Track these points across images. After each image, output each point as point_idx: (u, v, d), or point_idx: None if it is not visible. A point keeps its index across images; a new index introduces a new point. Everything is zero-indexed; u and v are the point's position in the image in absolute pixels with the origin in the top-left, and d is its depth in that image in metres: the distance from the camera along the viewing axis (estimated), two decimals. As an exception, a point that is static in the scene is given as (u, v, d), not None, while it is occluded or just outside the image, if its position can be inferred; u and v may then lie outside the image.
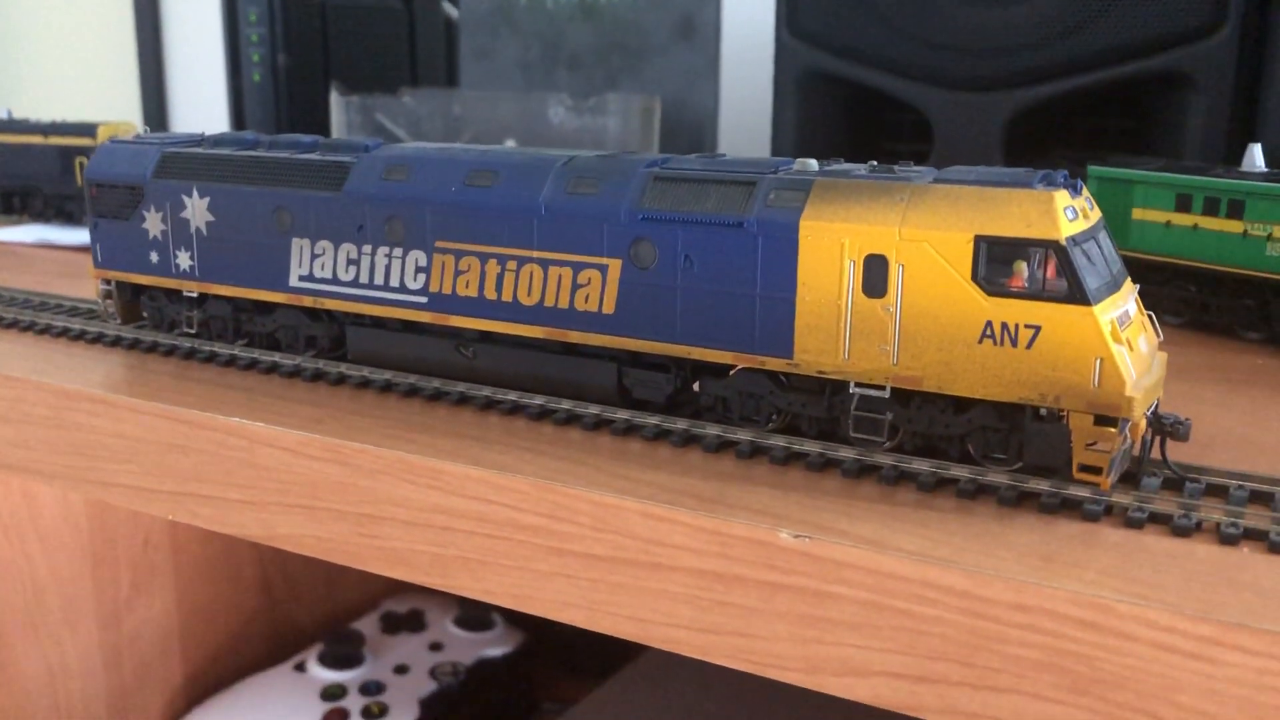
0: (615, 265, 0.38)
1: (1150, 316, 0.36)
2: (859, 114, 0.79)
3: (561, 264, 0.39)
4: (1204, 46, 0.67)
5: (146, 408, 0.44)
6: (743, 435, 0.38)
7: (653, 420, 0.40)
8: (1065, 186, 0.33)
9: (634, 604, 0.35)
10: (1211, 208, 0.55)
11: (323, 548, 0.41)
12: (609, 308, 0.39)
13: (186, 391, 0.46)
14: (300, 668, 0.82)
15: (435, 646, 0.87)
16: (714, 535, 0.34)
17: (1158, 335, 0.36)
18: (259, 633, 0.89)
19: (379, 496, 0.40)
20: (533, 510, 0.37)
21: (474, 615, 0.90)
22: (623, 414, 0.40)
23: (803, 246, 0.35)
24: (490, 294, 0.41)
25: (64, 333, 0.53)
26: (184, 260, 0.48)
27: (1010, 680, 0.30)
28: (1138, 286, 0.36)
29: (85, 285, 0.64)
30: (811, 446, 0.37)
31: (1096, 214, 0.35)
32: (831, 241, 0.35)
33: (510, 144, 0.96)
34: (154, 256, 0.49)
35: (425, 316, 0.43)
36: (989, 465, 0.35)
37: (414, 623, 0.89)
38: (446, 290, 0.42)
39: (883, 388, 0.35)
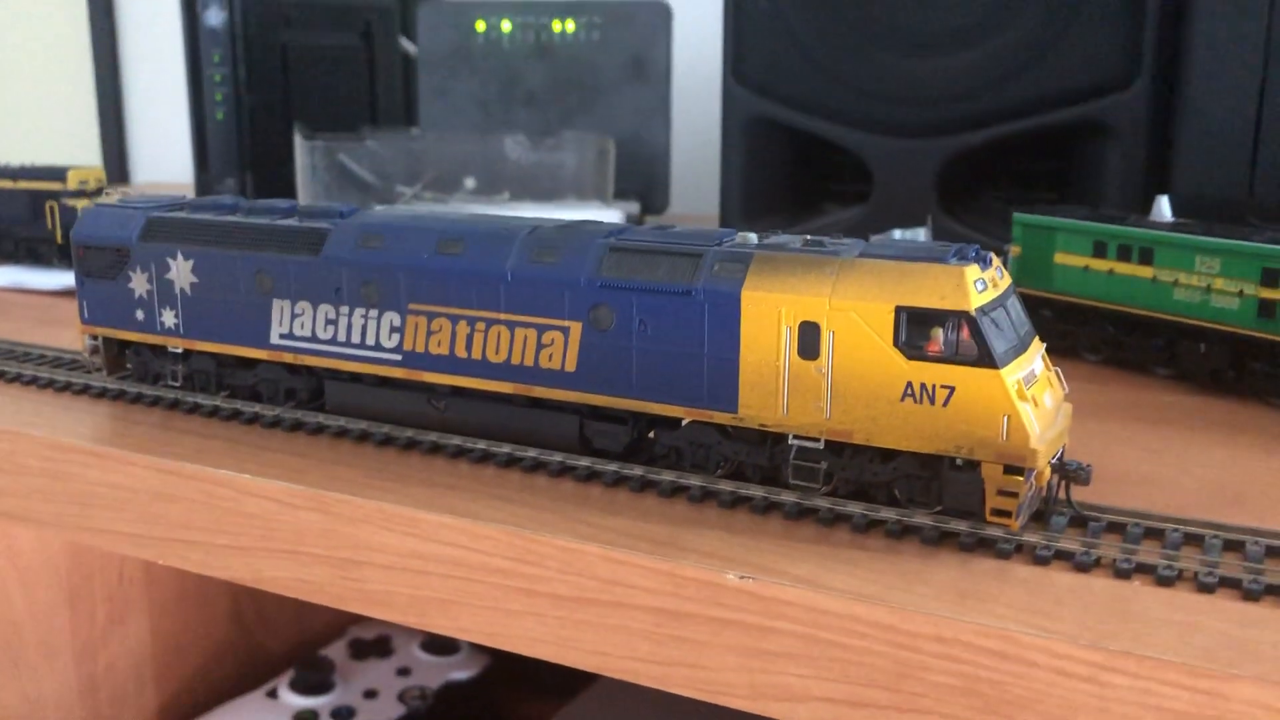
0: (576, 327, 0.42)
1: (1057, 372, 0.40)
2: (802, 157, 0.84)
3: (527, 325, 0.43)
4: (1120, 97, 0.72)
5: (137, 459, 0.47)
6: (694, 481, 0.42)
7: (612, 467, 0.44)
8: (976, 260, 0.38)
9: (596, 639, 0.39)
10: (1125, 254, 0.59)
11: (306, 590, 0.45)
12: (571, 365, 0.43)
13: (173, 442, 0.49)
14: (272, 694, 0.85)
15: (403, 671, 0.89)
16: (668, 576, 0.37)
17: (1063, 388, 0.41)
18: (231, 661, 0.91)
19: (359, 543, 0.43)
20: (503, 555, 0.40)
21: (440, 640, 0.93)
22: (584, 461, 0.44)
23: (745, 313, 0.39)
24: (460, 352, 0.45)
25: (50, 384, 0.56)
26: (169, 318, 0.51)
27: (931, 704, 0.34)
28: (1044, 345, 0.40)
29: (64, 334, 0.67)
30: (756, 491, 0.41)
31: (1006, 281, 0.39)
32: (770, 309, 0.38)
33: (469, 183, 1.00)
34: (140, 314, 0.52)
35: (399, 373, 0.46)
36: (913, 508, 0.39)
37: (382, 648, 0.92)
38: (419, 349, 0.45)
39: (817, 440, 0.39)
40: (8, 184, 0.87)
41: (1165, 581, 0.35)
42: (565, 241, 0.43)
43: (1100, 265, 0.61)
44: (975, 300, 0.36)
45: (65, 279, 0.81)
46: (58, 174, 0.86)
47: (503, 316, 0.43)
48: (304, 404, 0.50)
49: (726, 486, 0.42)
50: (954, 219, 0.77)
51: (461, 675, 0.90)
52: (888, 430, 0.38)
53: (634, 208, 1.08)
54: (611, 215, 0.90)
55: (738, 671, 0.37)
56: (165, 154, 1.60)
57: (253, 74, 1.09)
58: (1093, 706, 0.32)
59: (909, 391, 0.37)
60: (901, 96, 0.76)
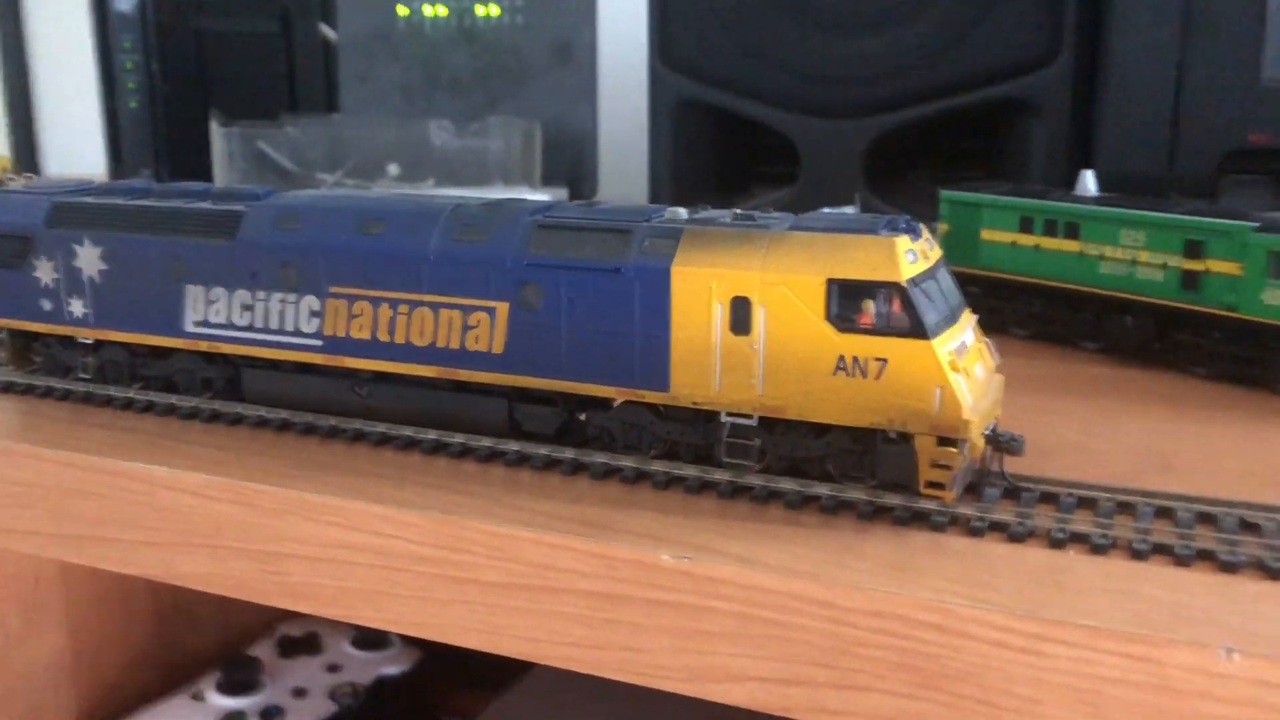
0: (503, 308, 0.41)
1: (987, 343, 0.40)
2: (730, 139, 0.83)
3: (451, 307, 0.42)
4: (1042, 75, 0.72)
5: (46, 455, 0.45)
6: (626, 462, 0.41)
7: (542, 450, 0.43)
8: (906, 231, 0.37)
9: (529, 625, 0.38)
10: (1051, 229, 0.60)
11: (226, 585, 0.43)
12: (498, 347, 0.42)
13: (85, 436, 0.47)
14: (198, 696, 0.83)
15: (333, 668, 0.88)
16: (601, 559, 0.36)
17: (995, 359, 0.40)
18: (154, 663, 0.89)
19: (281, 534, 0.41)
20: (431, 543, 0.39)
21: (371, 635, 0.91)
22: (514, 445, 0.43)
23: (675, 290, 0.38)
24: (383, 336, 0.43)
25: (-47, 379, 0.54)
26: (77, 308, 0.49)
27: (869, 680, 0.34)
28: (976, 316, 0.40)
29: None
30: (689, 470, 0.40)
31: (937, 253, 0.39)
32: (701, 285, 0.38)
33: (393, 169, 0.98)
34: (46, 304, 0.50)
35: (320, 359, 0.45)
36: (847, 483, 0.39)
37: (311, 645, 0.90)
38: (340, 333, 0.44)
39: (751, 416, 0.38)
40: (-93, 175, 0.84)
41: (1099, 550, 0.35)
42: (490, 220, 0.42)
43: (1027, 240, 0.61)
44: (906, 271, 0.36)
45: (-30, 272, 0.78)
46: (-40, 163, 0.83)
47: (426, 298, 0.42)
48: (221, 394, 0.48)
49: (660, 467, 0.41)
50: (881, 198, 0.77)
51: (393, 670, 0.89)
52: (821, 405, 0.37)
53: (562, 192, 1.07)
54: (535, 196, 0.89)
55: (674, 654, 0.36)
56: (77, 144, 1.56)
57: (167, 61, 1.06)
58: (1030, 677, 0.32)
59: (841, 365, 0.36)
60: (828, 77, 0.76)
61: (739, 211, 0.40)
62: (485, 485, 0.41)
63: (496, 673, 0.95)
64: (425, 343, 0.43)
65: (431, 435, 0.45)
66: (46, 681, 0.80)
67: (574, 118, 1.10)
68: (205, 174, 1.07)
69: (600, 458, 0.42)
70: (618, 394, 0.40)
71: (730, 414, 0.39)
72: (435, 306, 0.42)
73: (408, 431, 0.45)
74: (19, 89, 1.52)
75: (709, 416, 0.40)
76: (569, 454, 0.42)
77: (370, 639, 0.91)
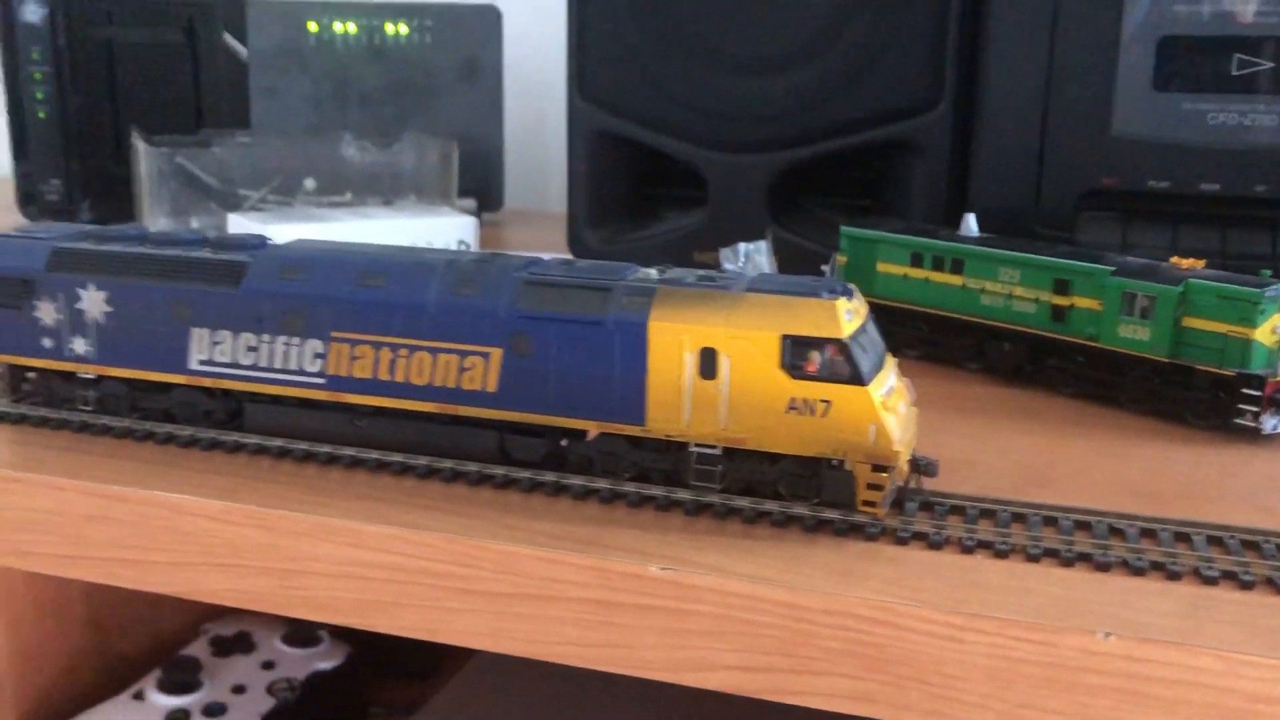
0: (496, 353, 0.47)
1: (906, 381, 0.48)
2: (643, 167, 0.90)
3: (449, 351, 0.48)
4: (925, 119, 0.81)
5: (66, 484, 0.50)
6: (602, 484, 0.48)
7: (526, 475, 0.49)
8: (843, 294, 0.45)
9: (531, 630, 0.45)
10: (938, 264, 0.68)
11: (247, 599, 0.48)
12: (491, 386, 0.48)
13: (91, 465, 0.51)
14: (139, 696, 0.86)
15: (268, 665, 0.92)
16: (596, 571, 0.43)
17: (912, 395, 0.49)
18: (90, 667, 0.91)
19: (300, 554, 0.47)
20: (442, 559, 0.45)
21: (300, 633, 0.96)
22: (499, 470, 0.49)
23: (651, 340, 0.45)
24: (384, 376, 0.49)
25: (-57, 409, 0.57)
26: (79, 346, 0.53)
27: (824, 665, 0.41)
28: (896, 360, 0.48)
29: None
30: (658, 491, 0.47)
31: (865, 309, 0.47)
32: (674, 337, 0.45)
33: (310, 184, 1.02)
34: (47, 342, 0.54)
35: (322, 395, 0.50)
36: (793, 501, 0.46)
37: (244, 644, 0.94)
38: (343, 373, 0.50)
39: (715, 446, 0.46)
40: None
41: (1001, 554, 0.44)
42: (482, 275, 0.48)
43: (917, 274, 0.70)
44: (846, 329, 0.44)
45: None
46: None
47: (425, 344, 0.48)
48: (220, 425, 0.53)
49: (631, 488, 0.48)
50: (782, 227, 0.85)
51: (326, 665, 0.93)
52: (775, 437, 0.45)
53: (471, 205, 1.12)
54: (456, 218, 0.94)
55: (658, 649, 0.43)
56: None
57: (76, 72, 1.08)
58: (955, 659, 0.40)
59: (793, 405, 0.44)
60: (733, 115, 0.83)
61: (700, 273, 0.47)
62: (479, 506, 0.48)
63: (423, 666, 1.01)
64: (424, 382, 0.49)
65: (423, 461, 0.50)
66: (-12, 689, 0.82)
67: (481, 133, 1.16)
68: (116, 182, 1.09)
69: (578, 480, 0.48)
70: (598, 427, 0.47)
71: (697, 444, 0.46)
72: (434, 351, 0.48)
73: (399, 458, 0.51)
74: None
75: (678, 446, 0.47)
76: (550, 477, 0.49)
77: (300, 636, 0.95)
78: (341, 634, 0.98)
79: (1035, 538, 0.44)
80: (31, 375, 0.56)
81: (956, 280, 0.68)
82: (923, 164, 0.82)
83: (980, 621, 0.39)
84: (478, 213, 1.08)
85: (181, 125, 1.15)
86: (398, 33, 1.14)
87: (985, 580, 0.42)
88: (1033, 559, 0.43)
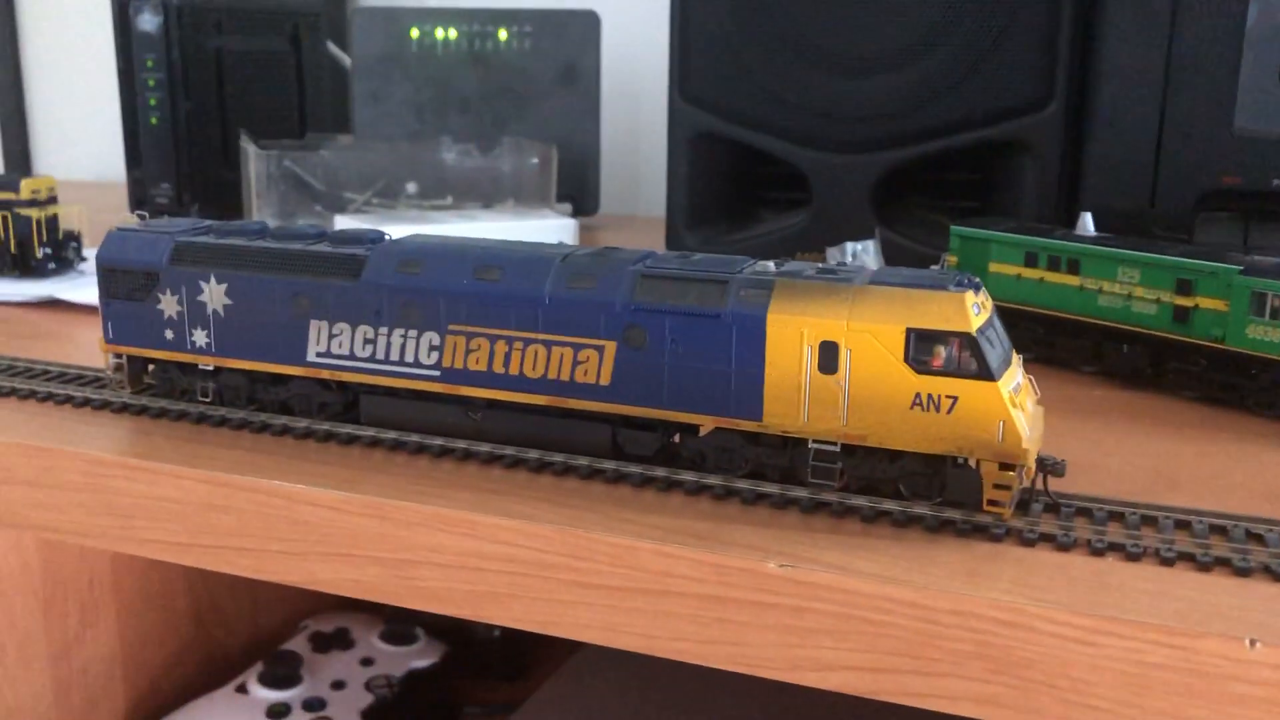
0: (610, 346, 0.47)
1: (1031, 379, 0.47)
2: (742, 169, 0.89)
3: (563, 344, 0.48)
4: (1036, 118, 0.80)
5: (187, 473, 0.50)
6: (715, 480, 0.48)
7: (637, 470, 0.49)
8: (970, 287, 0.44)
9: (645, 624, 0.44)
10: (1054, 264, 0.67)
11: (360, 589, 0.49)
12: (605, 380, 0.48)
13: (210, 455, 0.52)
14: (242, 689, 0.88)
15: (366, 661, 0.93)
16: (714, 567, 0.43)
17: (1037, 393, 0.47)
18: (193, 659, 0.93)
19: (415, 544, 0.47)
20: (557, 551, 0.45)
21: (398, 630, 0.97)
22: (611, 465, 0.49)
23: (770, 334, 0.44)
24: (499, 368, 0.49)
25: (68, 400, 0.58)
26: (200, 338, 0.54)
27: (948, 667, 0.40)
28: (1021, 357, 0.47)
29: (49, 348, 0.69)
30: (773, 488, 0.47)
31: (990, 304, 0.46)
32: (793, 330, 0.44)
33: (411, 188, 1.03)
34: (169, 334, 0.55)
35: (438, 387, 0.50)
36: (914, 500, 0.45)
37: (342, 641, 0.96)
38: (458, 365, 0.50)
39: (834, 443, 0.45)
40: (-43, 193, 0.87)
41: (1133, 557, 0.42)
42: (598, 269, 0.48)
43: (1031, 274, 0.68)
44: (974, 322, 0.42)
45: (28, 289, 0.82)
46: (9, 184, 0.86)
47: (540, 336, 0.48)
48: (335, 416, 0.54)
49: (746, 485, 0.47)
50: (887, 228, 0.83)
51: (423, 663, 0.94)
52: (897, 434, 0.44)
53: (567, 209, 1.13)
54: (556, 220, 0.94)
55: (776, 648, 0.42)
56: (69, 150, 1.58)
57: (188, 79, 1.10)
58: (1086, 663, 0.38)
59: (917, 401, 0.43)
60: (839, 115, 0.83)
61: (820, 265, 0.46)
62: (593, 500, 0.47)
63: (515, 667, 1.01)
64: (537, 375, 0.49)
65: (534, 454, 0.50)
66: (99, 678, 0.85)
67: (578, 138, 1.16)
68: (223, 188, 1.12)
69: (691, 476, 0.48)
70: (713, 422, 0.47)
71: (816, 441, 0.45)
72: (549, 344, 0.48)
73: (510, 451, 0.51)
74: (13, 100, 1.54)
75: (795, 442, 0.46)
76: (662, 473, 0.48)
77: (398, 634, 0.96)
78: (438, 633, 0.98)
79: (1168, 540, 0.43)
80: (151, 367, 0.58)
81: (1073, 280, 0.66)
82: (1033, 164, 0.80)
83: (1114, 625, 0.38)
84: (574, 216, 1.08)
85: (286, 131, 1.17)
86: (498, 38, 1.15)
87: (1118, 583, 0.40)
88: (1167, 563, 0.42)
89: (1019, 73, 0.79)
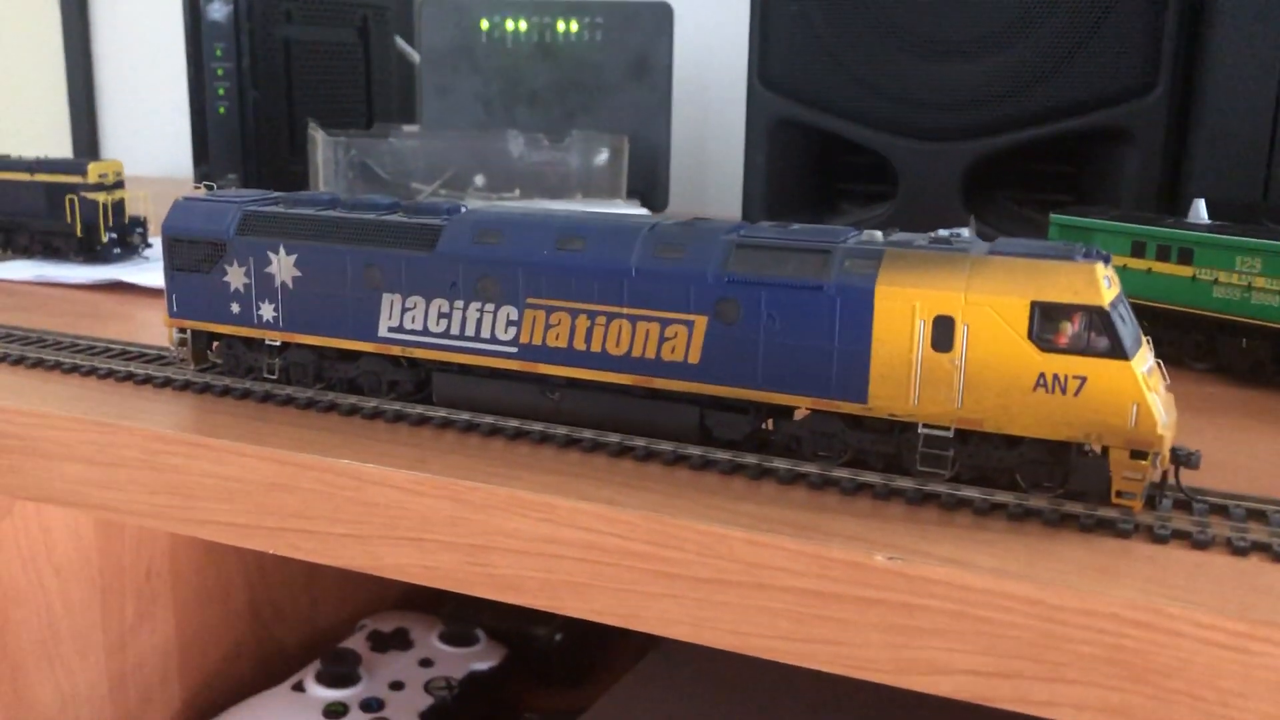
0: (701, 321, 0.44)
1: (1159, 364, 0.43)
2: (822, 157, 0.86)
3: (650, 319, 0.45)
4: (1139, 104, 0.75)
5: (249, 450, 0.48)
6: (811, 468, 0.44)
7: (726, 456, 0.45)
8: (1100, 259, 0.40)
9: (736, 619, 0.41)
10: (1164, 254, 0.63)
11: (431, 576, 0.46)
12: (694, 358, 0.44)
13: (276, 434, 0.49)
14: (298, 688, 0.85)
15: (425, 663, 0.90)
16: (814, 558, 0.39)
17: (1166, 379, 0.43)
18: (249, 655, 0.91)
19: (490, 528, 0.44)
20: (641, 539, 0.42)
21: (458, 632, 0.94)
22: (697, 450, 0.46)
23: (878, 307, 0.41)
24: (579, 345, 0.46)
25: (129, 377, 0.56)
26: (268, 312, 0.52)
27: (1076, 673, 0.36)
28: (1149, 339, 0.43)
29: (111, 327, 0.67)
30: (875, 478, 0.43)
31: (1118, 280, 0.42)
32: (904, 304, 0.41)
33: (479, 180, 1.01)
34: (235, 308, 0.52)
35: (514, 365, 0.47)
36: (1035, 492, 0.41)
37: (401, 641, 0.93)
38: (536, 341, 0.47)
39: (947, 428, 0.41)
40: (25, 176, 0.86)
41: (1281, 558, 0.38)
42: (688, 238, 0.45)
43: (1138, 264, 0.64)
44: (1106, 296, 0.39)
45: (93, 273, 0.80)
46: (77, 167, 0.85)
47: (625, 311, 0.45)
48: (406, 396, 0.51)
49: (845, 474, 0.44)
50: (975, 219, 0.80)
51: (482, 666, 0.91)
52: (1018, 419, 0.40)
53: (636, 204, 1.10)
54: (630, 208, 0.91)
55: (882, 648, 0.39)
56: (137, 144, 1.58)
57: (256, 68, 1.09)
58: (1236, 673, 0.34)
59: (1041, 381, 0.39)
60: (928, 101, 0.79)
61: (934, 235, 0.43)
62: (678, 486, 0.44)
63: (576, 672, 0.98)
64: (621, 352, 0.45)
65: (614, 438, 0.47)
66: (155, 671, 0.83)
67: (648, 132, 1.13)
68: (290, 178, 1.10)
69: (784, 464, 0.44)
70: (813, 405, 0.43)
71: (926, 425, 0.42)
72: (633, 319, 0.45)
73: (589, 434, 0.48)
74: (82, 89, 1.55)
75: (903, 427, 0.42)
76: (752, 460, 0.45)
77: (458, 636, 0.93)
78: (498, 635, 0.95)
79: (1321, 541, 0.39)
80: (216, 344, 0.55)
81: (1185, 271, 0.62)
82: (1134, 153, 0.76)
83: (1272, 630, 0.34)
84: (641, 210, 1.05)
85: (353, 123, 1.16)
86: (568, 30, 1.13)
87: (1268, 585, 0.36)
88: (1321, 564, 0.38)
89: (1121, 57, 0.75)
